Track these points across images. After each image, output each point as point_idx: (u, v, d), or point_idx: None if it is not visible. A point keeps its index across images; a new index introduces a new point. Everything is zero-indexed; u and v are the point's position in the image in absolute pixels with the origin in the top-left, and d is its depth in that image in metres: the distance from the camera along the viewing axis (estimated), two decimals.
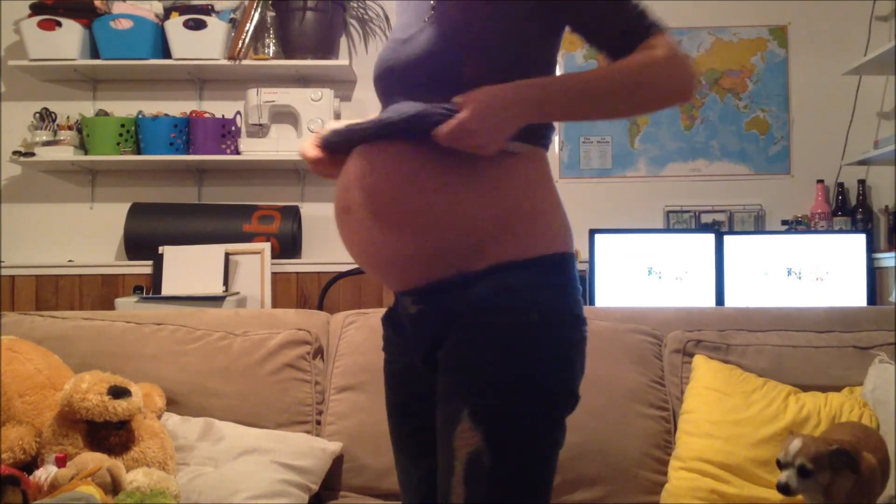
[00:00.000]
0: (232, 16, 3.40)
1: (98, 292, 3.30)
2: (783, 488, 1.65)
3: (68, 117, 3.44)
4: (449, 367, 1.17)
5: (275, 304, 3.23)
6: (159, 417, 2.00)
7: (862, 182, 3.42)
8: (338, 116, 3.45)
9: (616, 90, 1.15)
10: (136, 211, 3.32)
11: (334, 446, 2.01)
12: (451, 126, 1.09)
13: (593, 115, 1.25)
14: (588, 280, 3.15)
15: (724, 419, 1.96)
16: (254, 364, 2.12)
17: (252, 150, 3.37)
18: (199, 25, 3.32)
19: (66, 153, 3.34)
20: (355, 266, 3.15)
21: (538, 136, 1.22)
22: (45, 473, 1.69)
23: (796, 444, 1.68)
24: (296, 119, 3.43)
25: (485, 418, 1.12)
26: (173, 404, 2.06)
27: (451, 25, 1.18)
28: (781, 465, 1.68)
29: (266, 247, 3.23)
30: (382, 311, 1.39)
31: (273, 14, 3.43)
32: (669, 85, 1.16)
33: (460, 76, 1.15)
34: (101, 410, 1.79)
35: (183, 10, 3.37)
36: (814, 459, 1.64)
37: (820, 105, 3.51)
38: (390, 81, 1.25)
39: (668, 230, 3.45)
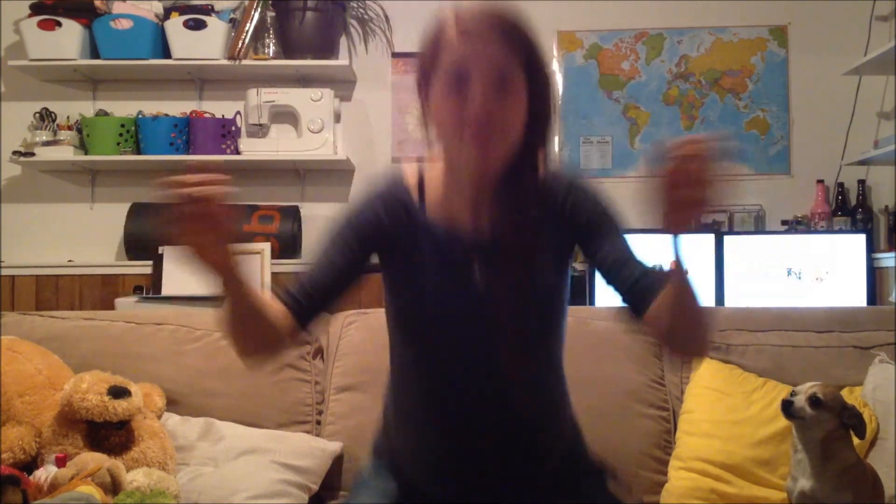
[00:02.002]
0: (232, 16, 3.40)
1: (98, 292, 3.30)
2: (787, 405, 1.64)
3: (68, 117, 3.44)
4: None
5: None
6: (159, 417, 1.99)
7: (862, 182, 3.42)
8: (338, 116, 3.46)
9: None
10: (136, 211, 3.32)
11: (334, 446, 2.01)
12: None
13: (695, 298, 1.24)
14: (588, 280, 3.15)
15: (724, 419, 1.96)
16: None
17: (252, 150, 3.37)
18: (199, 25, 3.32)
19: (66, 153, 3.34)
20: None
21: None
22: (45, 473, 1.68)
23: (812, 382, 1.69)
24: (296, 119, 3.43)
25: None
26: (173, 404, 2.05)
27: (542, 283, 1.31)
28: (792, 394, 1.68)
29: (266, 247, 3.23)
30: (382, 310, 1.40)
31: (273, 14, 3.43)
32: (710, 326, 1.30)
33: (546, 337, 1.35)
34: (101, 410, 1.78)
35: (183, 10, 3.37)
36: (827, 396, 1.65)
37: (820, 105, 3.51)
38: (469, 327, 1.30)
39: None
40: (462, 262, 1.29)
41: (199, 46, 3.33)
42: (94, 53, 3.37)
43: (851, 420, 1.65)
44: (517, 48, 1.20)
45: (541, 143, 1.27)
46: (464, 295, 1.30)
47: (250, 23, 3.36)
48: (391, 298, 1.37)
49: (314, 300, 1.28)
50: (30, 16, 3.32)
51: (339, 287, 1.31)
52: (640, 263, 1.31)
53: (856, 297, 3.03)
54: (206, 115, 3.40)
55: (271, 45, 3.46)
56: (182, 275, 3.13)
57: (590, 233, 1.31)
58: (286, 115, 3.48)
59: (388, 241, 1.32)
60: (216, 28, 3.34)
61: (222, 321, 1.20)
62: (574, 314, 1.45)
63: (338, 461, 2.02)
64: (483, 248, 1.28)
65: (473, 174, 1.26)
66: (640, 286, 1.27)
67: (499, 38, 1.19)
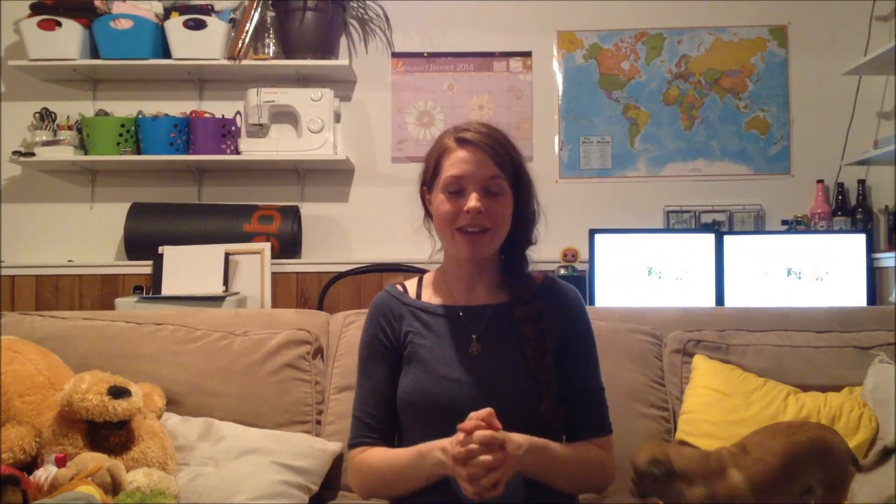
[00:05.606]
0: (232, 16, 3.40)
1: (98, 292, 3.30)
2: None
3: (68, 117, 3.44)
4: None
5: (275, 304, 3.23)
6: (159, 417, 1.99)
7: (862, 182, 3.42)
8: (338, 116, 3.46)
9: (577, 474, 1.45)
10: (136, 211, 3.32)
11: (334, 446, 2.01)
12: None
13: (553, 482, 1.43)
14: (588, 280, 3.16)
15: (724, 419, 1.96)
16: (254, 364, 2.12)
17: (252, 150, 3.37)
18: (199, 25, 3.32)
19: (66, 153, 3.34)
20: (355, 266, 3.16)
21: None
22: (45, 473, 1.68)
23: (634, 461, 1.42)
24: (296, 119, 3.43)
25: None
26: (173, 404, 2.05)
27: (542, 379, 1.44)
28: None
29: (266, 247, 3.23)
30: None
31: (273, 14, 3.44)
32: (598, 482, 1.50)
33: (538, 411, 1.43)
34: (101, 410, 1.78)
35: (183, 10, 3.37)
36: (639, 473, 1.40)
37: (820, 105, 3.52)
38: (458, 414, 1.37)
39: (668, 230, 3.45)
40: (458, 332, 1.47)
41: (199, 46, 3.33)
42: (94, 53, 3.37)
43: (668, 469, 1.39)
44: (506, 160, 1.44)
45: (527, 239, 1.52)
46: (462, 360, 1.45)
47: (250, 23, 3.36)
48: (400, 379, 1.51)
49: (385, 421, 1.51)
50: (30, 16, 3.32)
51: (392, 396, 1.50)
52: (584, 399, 1.51)
53: (856, 297, 3.03)
54: (206, 115, 3.40)
55: (271, 45, 3.46)
56: (182, 275, 3.14)
57: (563, 347, 1.50)
58: (286, 115, 3.48)
59: (399, 337, 1.51)
60: (216, 28, 3.34)
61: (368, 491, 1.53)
62: None
63: (338, 461, 2.02)
64: (477, 316, 1.48)
65: (470, 258, 1.47)
66: (576, 421, 1.49)
67: (492, 151, 1.43)
